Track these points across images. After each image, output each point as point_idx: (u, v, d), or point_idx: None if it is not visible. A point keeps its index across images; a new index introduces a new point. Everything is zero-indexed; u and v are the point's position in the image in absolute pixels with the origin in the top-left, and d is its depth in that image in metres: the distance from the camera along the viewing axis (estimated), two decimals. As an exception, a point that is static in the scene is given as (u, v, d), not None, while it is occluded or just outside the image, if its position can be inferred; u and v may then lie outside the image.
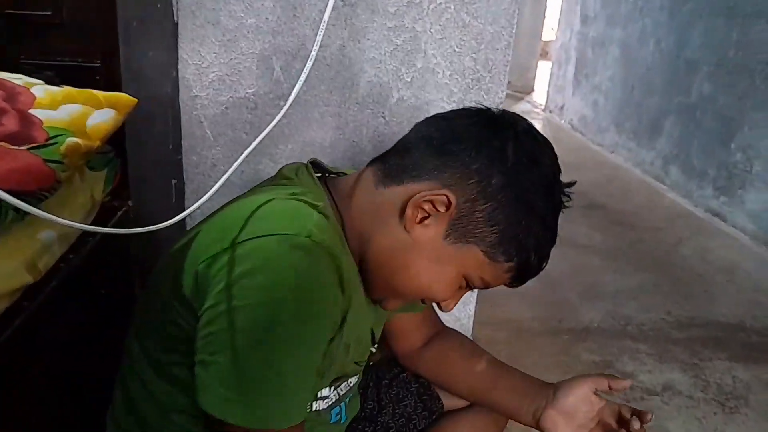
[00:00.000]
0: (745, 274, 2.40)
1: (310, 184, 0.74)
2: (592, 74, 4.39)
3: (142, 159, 1.03)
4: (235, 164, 0.87)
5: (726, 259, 2.53)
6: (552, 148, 0.74)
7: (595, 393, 0.90)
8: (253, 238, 0.61)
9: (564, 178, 0.74)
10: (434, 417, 1.07)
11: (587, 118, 4.42)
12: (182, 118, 1.24)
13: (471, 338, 1.54)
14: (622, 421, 0.89)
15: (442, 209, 0.69)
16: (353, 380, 0.88)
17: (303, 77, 0.83)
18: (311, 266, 0.61)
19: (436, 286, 0.73)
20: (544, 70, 5.58)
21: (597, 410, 0.89)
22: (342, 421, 0.86)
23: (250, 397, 0.60)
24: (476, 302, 1.48)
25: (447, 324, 1.48)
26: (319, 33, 0.84)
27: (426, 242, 0.70)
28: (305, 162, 0.79)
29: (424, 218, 0.70)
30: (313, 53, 0.85)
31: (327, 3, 0.87)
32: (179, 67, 1.20)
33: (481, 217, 0.69)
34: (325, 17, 0.85)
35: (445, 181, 0.69)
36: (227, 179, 0.95)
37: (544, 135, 0.74)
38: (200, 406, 0.61)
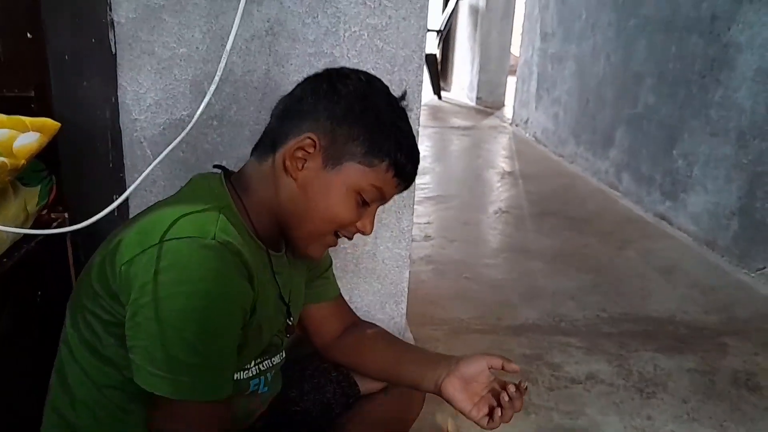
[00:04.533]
0: (683, 272, 2.53)
1: (217, 188, 0.89)
2: (552, 89, 4.56)
3: (80, 176, 1.15)
4: (152, 164, 0.99)
5: (667, 259, 2.67)
6: (375, 77, 0.93)
7: (489, 369, 1.03)
8: (168, 240, 0.75)
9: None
10: (351, 401, 1.19)
11: (549, 131, 4.58)
12: (124, 140, 1.36)
13: (406, 336, 1.66)
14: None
15: (311, 150, 0.86)
16: (276, 359, 1.02)
17: (207, 97, 0.96)
18: (217, 262, 0.75)
19: (337, 209, 0.88)
20: (513, 86, 5.74)
21: (489, 381, 1.01)
22: (260, 391, 0.99)
23: (176, 374, 0.73)
24: (407, 300, 1.61)
25: (380, 323, 1.61)
26: (222, 60, 0.97)
27: (312, 179, 0.87)
28: (213, 170, 0.94)
29: (302, 164, 0.86)
30: (216, 78, 0.97)
31: (230, 34, 1.00)
32: (119, 93, 1.33)
33: (342, 140, 0.86)
34: (228, 47, 0.97)
35: (305, 130, 0.86)
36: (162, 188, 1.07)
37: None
38: (138, 384, 0.74)
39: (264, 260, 0.92)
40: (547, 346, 1.88)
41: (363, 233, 0.93)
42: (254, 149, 0.94)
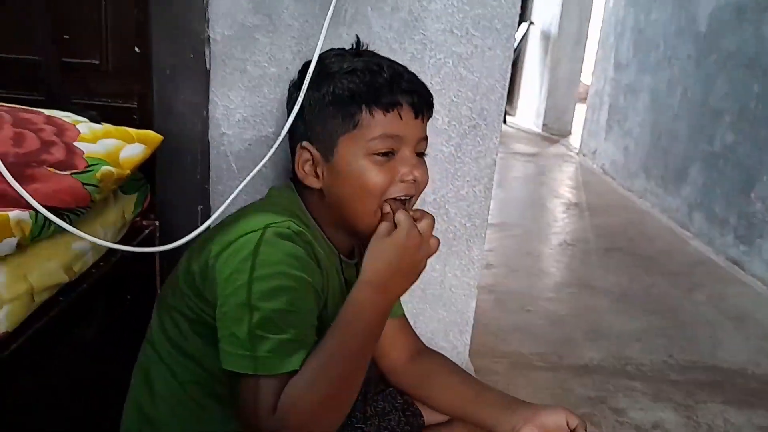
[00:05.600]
0: (755, 322, 2.42)
1: (292, 199, 0.94)
2: (623, 120, 4.46)
3: (171, 186, 1.20)
4: (243, 182, 1.02)
5: (739, 306, 2.55)
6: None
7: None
8: (250, 233, 0.81)
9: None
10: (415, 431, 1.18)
11: (618, 163, 4.48)
12: (211, 152, 1.41)
13: (468, 367, 1.64)
14: None
15: (308, 156, 0.90)
16: None
17: (291, 117, 0.96)
18: (294, 247, 0.80)
19: (364, 182, 0.87)
20: (582, 114, 5.65)
21: None
22: None
23: (258, 350, 0.74)
24: (471, 331, 1.59)
25: (443, 351, 1.59)
26: (305, 82, 0.97)
27: (328, 176, 0.90)
28: (287, 182, 1.00)
29: (314, 172, 0.90)
30: (300, 98, 0.98)
31: (314, 56, 1.01)
32: (210, 107, 1.37)
33: (320, 127, 0.90)
34: (310, 69, 0.97)
35: (294, 147, 0.94)
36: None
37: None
38: (224, 368, 0.76)
39: (336, 264, 0.95)
40: (611, 390, 1.82)
41: (416, 181, 0.89)
42: None
